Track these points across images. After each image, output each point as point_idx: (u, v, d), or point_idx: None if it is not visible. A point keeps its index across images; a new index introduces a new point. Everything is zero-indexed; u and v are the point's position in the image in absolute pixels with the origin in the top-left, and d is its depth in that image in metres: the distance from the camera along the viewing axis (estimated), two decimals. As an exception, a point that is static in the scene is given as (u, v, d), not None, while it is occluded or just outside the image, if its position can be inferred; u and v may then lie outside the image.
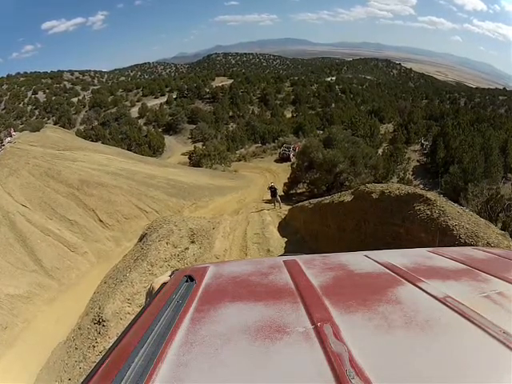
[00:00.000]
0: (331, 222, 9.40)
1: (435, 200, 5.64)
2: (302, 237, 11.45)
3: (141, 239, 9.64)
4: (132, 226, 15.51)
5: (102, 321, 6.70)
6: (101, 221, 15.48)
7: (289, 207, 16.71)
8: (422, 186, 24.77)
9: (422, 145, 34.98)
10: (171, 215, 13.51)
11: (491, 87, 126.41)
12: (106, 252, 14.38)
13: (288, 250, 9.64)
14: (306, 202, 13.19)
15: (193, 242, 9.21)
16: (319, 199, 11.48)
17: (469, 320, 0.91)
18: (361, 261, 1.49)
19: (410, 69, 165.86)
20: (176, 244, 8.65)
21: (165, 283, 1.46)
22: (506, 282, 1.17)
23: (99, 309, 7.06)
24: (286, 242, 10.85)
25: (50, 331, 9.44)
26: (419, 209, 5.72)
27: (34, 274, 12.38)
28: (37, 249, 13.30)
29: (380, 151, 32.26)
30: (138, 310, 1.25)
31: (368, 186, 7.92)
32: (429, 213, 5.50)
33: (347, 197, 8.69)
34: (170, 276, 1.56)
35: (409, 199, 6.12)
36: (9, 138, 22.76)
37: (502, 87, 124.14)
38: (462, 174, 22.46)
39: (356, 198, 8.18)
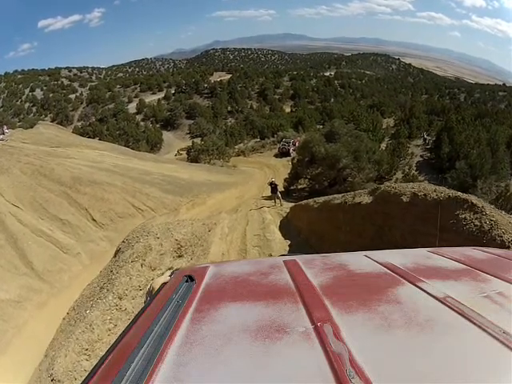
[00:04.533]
0: (343, 226, 8.38)
1: (483, 207, 4.73)
2: (306, 239, 10.67)
3: (116, 254, 8.41)
4: (126, 225, 14.91)
5: (53, 379, 5.47)
6: (94, 220, 15.01)
7: (290, 204, 16.17)
8: (426, 182, 24.28)
9: (425, 140, 34.39)
10: (153, 222, 12.45)
11: (490, 83, 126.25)
12: (100, 253, 13.84)
13: None
14: (311, 200, 12.23)
15: (180, 256, 7.89)
16: (326, 198, 10.57)
17: (469, 320, 0.91)
18: (361, 261, 1.49)
19: (409, 64, 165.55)
20: (154, 265, 7.22)
21: (165, 283, 1.46)
22: (506, 281, 1.17)
23: (52, 360, 5.84)
24: (289, 245, 10.06)
25: (42, 338, 8.94)
26: (464, 217, 4.76)
27: (25, 277, 11.89)
28: (28, 250, 12.83)
29: (383, 146, 31.70)
30: None
31: (395, 185, 6.90)
32: (478, 223, 4.54)
33: (365, 197, 7.64)
34: (169, 276, 1.56)
35: (449, 204, 5.15)
36: (1, 136, 22.47)
37: (501, 83, 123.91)
38: (469, 169, 21.91)
39: (378, 199, 7.13)
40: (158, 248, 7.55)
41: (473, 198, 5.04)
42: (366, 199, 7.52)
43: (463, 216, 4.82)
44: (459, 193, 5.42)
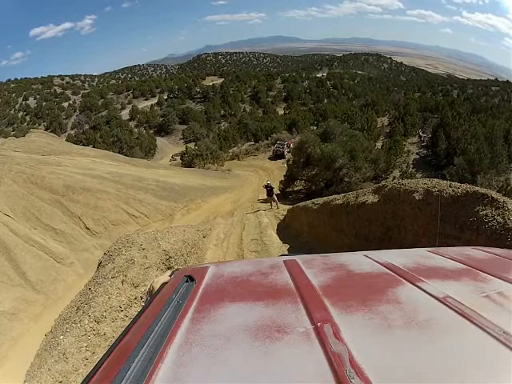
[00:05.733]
0: (347, 229, 7.80)
1: (504, 202, 4.19)
2: (306, 242, 10.24)
3: (97, 268, 7.69)
4: (120, 233, 14.50)
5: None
6: (87, 228, 14.73)
7: (287, 206, 15.92)
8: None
9: (420, 137, 34.47)
10: (145, 230, 11.79)
11: (483, 78, 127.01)
12: (94, 262, 13.45)
13: None
14: (309, 201, 11.71)
15: (170, 269, 6.77)
16: (326, 199, 10.03)
17: (469, 320, 0.91)
18: (361, 261, 1.49)
19: (401, 62, 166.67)
20: (137, 281, 6.32)
21: (165, 283, 1.46)
22: (506, 281, 1.16)
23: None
24: (288, 250, 9.56)
25: (37, 350, 8.74)
26: (486, 214, 4.21)
27: (19, 288, 11.59)
28: (21, 261, 12.52)
29: (378, 145, 31.56)
30: None
31: (404, 182, 6.18)
32: (501, 220, 3.98)
33: (370, 197, 6.98)
34: (170, 276, 1.55)
35: (466, 201, 4.59)
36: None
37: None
38: (468, 165, 21.77)
39: (385, 198, 6.43)
40: (141, 261, 6.81)
41: (492, 193, 4.54)
42: (372, 198, 6.89)
43: (484, 213, 4.30)
44: (477, 187, 4.86)
